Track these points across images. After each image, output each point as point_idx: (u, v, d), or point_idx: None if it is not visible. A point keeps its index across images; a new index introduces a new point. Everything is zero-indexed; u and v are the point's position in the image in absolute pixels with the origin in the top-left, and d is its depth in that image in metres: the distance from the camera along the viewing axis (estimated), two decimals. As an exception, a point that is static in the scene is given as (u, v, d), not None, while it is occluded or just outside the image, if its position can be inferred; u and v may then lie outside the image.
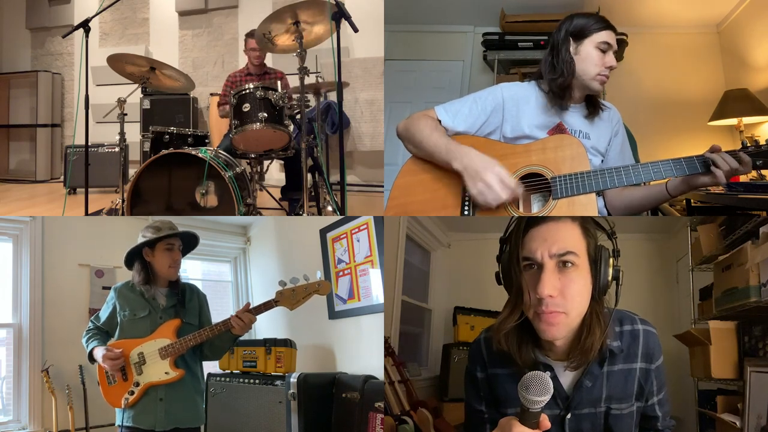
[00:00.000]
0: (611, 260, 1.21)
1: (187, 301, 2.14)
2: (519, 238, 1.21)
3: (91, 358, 2.10)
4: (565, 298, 1.16)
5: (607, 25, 1.92)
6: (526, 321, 1.22)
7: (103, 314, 2.17)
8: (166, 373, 2.02)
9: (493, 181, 1.72)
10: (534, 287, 1.16)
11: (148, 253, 2.11)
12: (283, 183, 4.25)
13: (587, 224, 1.23)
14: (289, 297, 2.06)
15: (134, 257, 2.13)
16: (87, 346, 2.12)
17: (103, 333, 2.16)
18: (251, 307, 2.04)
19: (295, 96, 3.22)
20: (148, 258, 2.11)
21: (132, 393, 2.02)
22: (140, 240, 2.10)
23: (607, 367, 1.28)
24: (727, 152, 1.68)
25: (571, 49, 1.93)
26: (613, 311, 1.25)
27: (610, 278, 1.21)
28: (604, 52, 1.90)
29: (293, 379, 2.68)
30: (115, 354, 2.02)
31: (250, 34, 4.14)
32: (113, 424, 2.06)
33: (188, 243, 2.21)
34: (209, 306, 2.24)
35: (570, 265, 1.17)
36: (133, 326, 2.08)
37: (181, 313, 2.10)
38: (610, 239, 1.25)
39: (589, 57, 1.91)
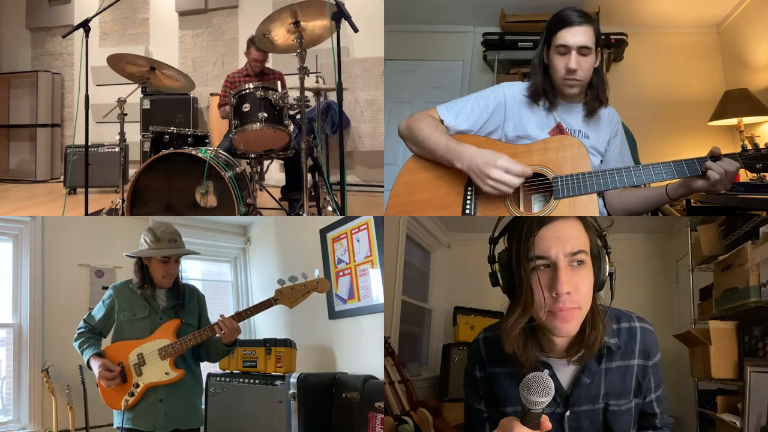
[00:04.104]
0: (607, 257, 1.24)
1: (186, 302, 2.12)
2: (529, 237, 1.19)
3: (89, 365, 2.06)
4: (580, 294, 1.18)
5: (566, 23, 1.83)
6: (529, 321, 1.23)
7: (97, 313, 2.13)
8: (166, 373, 2.00)
9: (501, 175, 1.72)
10: (549, 286, 1.17)
11: (146, 258, 2.10)
12: (283, 183, 4.25)
13: (587, 222, 1.25)
14: (288, 295, 2.07)
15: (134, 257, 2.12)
16: (83, 352, 2.08)
17: (96, 335, 2.12)
18: (251, 306, 2.05)
19: (294, 96, 3.22)
20: (146, 262, 2.10)
21: (132, 394, 2.00)
22: (141, 244, 2.08)
23: (605, 363, 1.29)
24: (726, 155, 1.67)
25: (544, 55, 1.93)
26: (608, 308, 1.27)
27: (607, 274, 1.23)
28: (562, 54, 1.85)
29: (293, 379, 2.68)
30: (112, 374, 1.99)
31: (253, 41, 4.08)
32: (113, 425, 2.05)
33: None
34: (207, 307, 2.23)
35: (581, 263, 1.18)
36: (133, 327, 2.07)
37: (180, 313, 2.09)
38: (601, 237, 1.26)
39: (552, 63, 1.90)
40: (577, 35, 1.83)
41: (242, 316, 2.04)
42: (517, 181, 1.73)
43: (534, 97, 1.96)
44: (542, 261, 1.18)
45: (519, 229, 1.22)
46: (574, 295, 1.17)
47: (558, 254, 1.17)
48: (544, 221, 1.21)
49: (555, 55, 1.87)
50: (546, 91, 1.95)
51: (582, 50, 1.84)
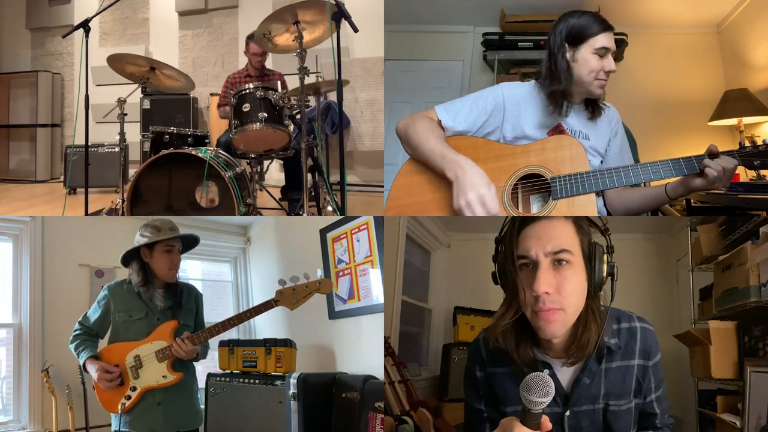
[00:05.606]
0: (605, 257, 1.23)
1: (184, 302, 2.10)
2: (513, 237, 1.22)
3: (85, 368, 2.03)
4: (561, 295, 1.17)
5: (603, 27, 1.88)
6: (525, 320, 1.23)
7: (93, 314, 2.11)
8: (163, 376, 1.97)
9: (475, 201, 1.71)
10: (529, 285, 1.17)
11: (146, 253, 2.05)
12: (283, 183, 4.25)
13: (580, 222, 1.25)
14: (290, 296, 2.02)
15: (131, 257, 2.08)
16: (78, 355, 2.05)
17: (92, 336, 2.10)
18: (251, 307, 2.02)
19: (294, 96, 3.22)
20: (146, 259, 2.05)
21: (129, 398, 1.97)
22: (139, 240, 2.05)
23: (605, 364, 1.29)
24: (724, 152, 1.68)
25: (568, 55, 1.90)
26: (609, 308, 1.26)
27: (604, 274, 1.22)
28: (601, 56, 1.87)
29: (293, 379, 2.67)
30: (111, 377, 1.97)
31: (251, 37, 4.10)
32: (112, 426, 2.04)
33: (188, 243, 2.16)
34: (207, 307, 2.21)
35: (564, 262, 1.18)
36: (129, 328, 2.04)
37: (178, 314, 2.06)
38: (604, 236, 1.26)
39: (586, 63, 1.88)
40: (612, 39, 1.89)
41: (200, 337, 1.99)
42: (482, 214, 1.72)
43: (563, 99, 1.93)
44: (524, 260, 1.20)
45: (509, 229, 1.24)
46: (555, 295, 1.17)
47: (538, 254, 1.18)
48: (527, 221, 1.22)
49: (592, 56, 1.87)
50: (565, 95, 1.93)
51: (613, 54, 1.89)
